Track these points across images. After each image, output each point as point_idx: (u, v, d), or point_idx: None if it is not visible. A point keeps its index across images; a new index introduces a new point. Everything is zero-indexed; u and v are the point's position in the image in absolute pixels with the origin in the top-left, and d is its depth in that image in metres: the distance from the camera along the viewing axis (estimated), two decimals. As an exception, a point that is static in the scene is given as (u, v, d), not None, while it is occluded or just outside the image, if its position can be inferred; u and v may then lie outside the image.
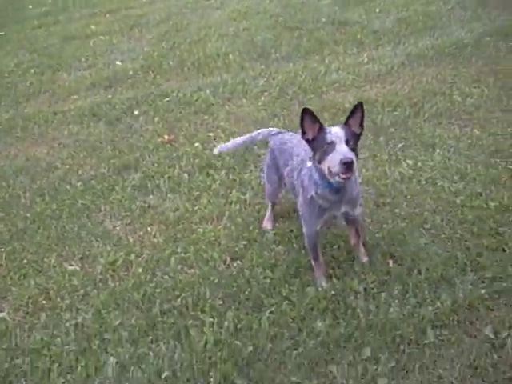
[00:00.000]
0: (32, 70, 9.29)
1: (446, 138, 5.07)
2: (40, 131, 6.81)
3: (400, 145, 5.08)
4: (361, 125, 3.26)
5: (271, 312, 3.40)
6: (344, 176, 3.06)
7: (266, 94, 6.69)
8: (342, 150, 3.05)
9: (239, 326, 3.35)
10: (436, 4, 9.17)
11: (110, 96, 7.54)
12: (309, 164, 3.41)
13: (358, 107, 3.23)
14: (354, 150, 3.10)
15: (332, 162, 3.07)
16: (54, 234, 4.60)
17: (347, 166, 3.01)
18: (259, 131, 4.23)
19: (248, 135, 4.30)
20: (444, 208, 4.13)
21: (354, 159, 3.05)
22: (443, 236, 3.84)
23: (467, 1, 9.06)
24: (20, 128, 6.99)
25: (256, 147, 5.31)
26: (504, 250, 3.63)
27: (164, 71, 8.16)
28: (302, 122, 3.23)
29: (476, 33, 7.54)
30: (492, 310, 3.23)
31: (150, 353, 3.28)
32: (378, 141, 5.19)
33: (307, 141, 3.28)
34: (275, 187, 4.10)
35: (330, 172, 3.12)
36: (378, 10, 9.34)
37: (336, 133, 3.12)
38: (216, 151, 4.64)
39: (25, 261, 4.34)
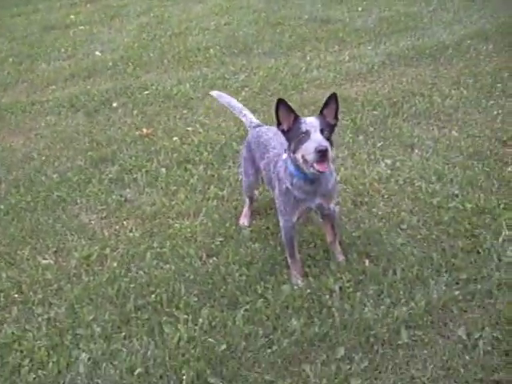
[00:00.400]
0: (10, 59, 9.17)
1: (425, 139, 5.10)
2: (17, 121, 6.72)
3: (379, 144, 5.09)
4: (335, 116, 3.27)
5: (246, 310, 3.38)
6: (319, 167, 3.07)
7: (246, 89, 6.67)
8: (317, 139, 3.07)
9: (213, 324, 3.32)
10: (418, 5, 9.23)
11: (88, 87, 7.48)
12: (284, 156, 3.42)
13: (332, 98, 3.24)
14: (328, 139, 3.12)
15: (307, 150, 3.09)
16: (28, 227, 4.53)
17: (322, 153, 3.03)
18: (246, 112, 4.21)
19: (240, 105, 4.29)
20: (421, 208, 4.15)
21: (329, 148, 3.07)
22: (419, 237, 3.85)
23: (449, 3, 9.13)
24: (-4, 117, 6.89)
25: (235, 143, 5.30)
26: (479, 252, 3.65)
27: (144, 63, 8.12)
28: (277, 112, 3.24)
29: (457, 35, 7.61)
30: (465, 311, 3.24)
31: (123, 349, 3.24)
32: (357, 140, 5.20)
33: (282, 131, 3.29)
34: (252, 180, 4.09)
35: (304, 161, 3.14)
36: (360, 9, 9.38)
37: (311, 122, 3.14)
38: (212, 93, 4.52)
39: (-3, 253, 4.28)
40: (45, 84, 7.89)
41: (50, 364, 3.21)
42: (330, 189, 3.42)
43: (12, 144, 6.11)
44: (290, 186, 3.37)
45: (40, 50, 9.52)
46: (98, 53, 8.91)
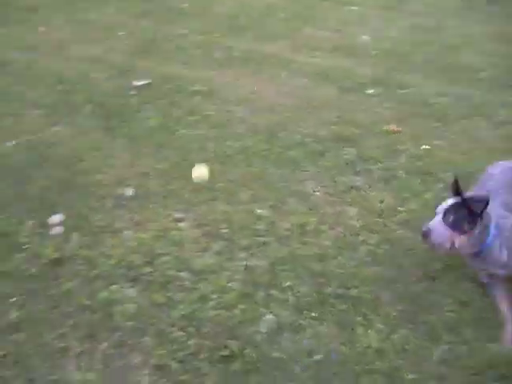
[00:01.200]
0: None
1: None
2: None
3: None
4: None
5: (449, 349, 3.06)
6: None
7: None
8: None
9: (406, 347, 3.06)
10: None
11: (346, 65, 7.42)
12: None
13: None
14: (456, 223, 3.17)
15: None
16: (256, 174, 4.68)
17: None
18: None
19: None
20: None
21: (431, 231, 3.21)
22: None
23: None
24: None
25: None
26: None
27: (406, 63, 7.74)
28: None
29: None
30: None
31: (309, 329, 3.16)
32: None
33: None
34: None
35: None
36: None
37: None
38: None
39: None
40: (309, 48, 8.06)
41: (236, 310, 3.23)
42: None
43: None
44: None
45: (308, 13, 9.78)
46: (364, 37, 8.80)
